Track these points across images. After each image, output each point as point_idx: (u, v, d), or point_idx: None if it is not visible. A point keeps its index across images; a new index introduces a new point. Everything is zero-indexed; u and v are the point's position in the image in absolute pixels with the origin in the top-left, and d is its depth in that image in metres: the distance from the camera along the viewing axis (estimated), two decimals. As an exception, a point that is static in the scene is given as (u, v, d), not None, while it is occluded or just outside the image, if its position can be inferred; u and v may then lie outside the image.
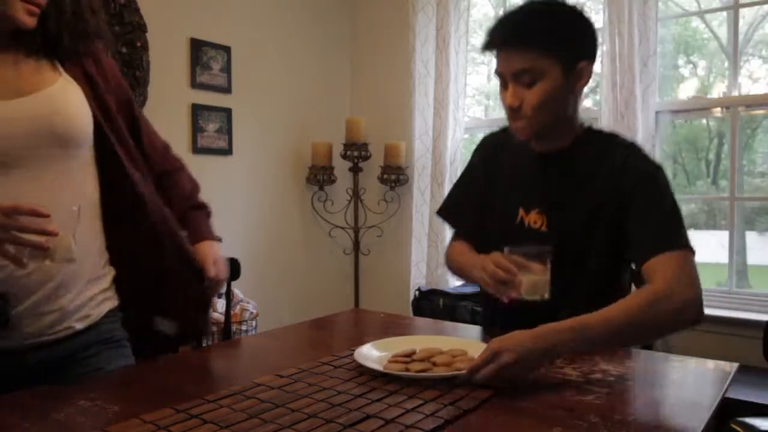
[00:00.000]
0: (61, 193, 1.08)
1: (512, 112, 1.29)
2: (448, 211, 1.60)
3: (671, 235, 1.20)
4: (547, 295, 1.20)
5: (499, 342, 0.99)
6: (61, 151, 1.09)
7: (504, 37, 1.27)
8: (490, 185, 1.48)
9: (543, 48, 1.23)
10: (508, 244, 1.30)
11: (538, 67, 1.23)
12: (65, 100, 1.10)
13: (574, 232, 1.33)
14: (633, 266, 1.40)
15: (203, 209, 1.37)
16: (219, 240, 1.34)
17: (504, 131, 1.51)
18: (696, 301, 1.11)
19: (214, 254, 1.28)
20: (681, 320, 1.11)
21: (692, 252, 1.19)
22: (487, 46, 1.30)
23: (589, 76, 1.30)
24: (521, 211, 1.39)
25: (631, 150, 1.33)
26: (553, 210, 1.35)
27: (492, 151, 1.52)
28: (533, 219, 1.37)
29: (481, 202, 1.49)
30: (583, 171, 1.34)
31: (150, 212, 1.18)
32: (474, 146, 1.59)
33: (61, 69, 1.14)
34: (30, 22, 1.05)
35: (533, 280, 1.18)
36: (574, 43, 1.27)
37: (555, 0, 1.30)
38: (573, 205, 1.33)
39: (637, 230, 1.25)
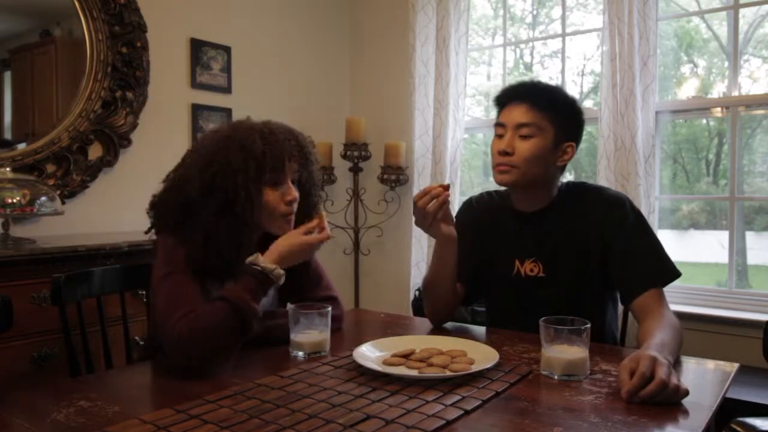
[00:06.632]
0: None
1: (501, 156, 1.43)
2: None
3: (652, 272, 1.38)
4: (586, 374, 1.10)
5: (647, 359, 1.00)
6: None
7: (522, 92, 1.46)
8: (478, 243, 1.56)
9: (550, 113, 1.43)
10: (510, 293, 1.49)
11: (539, 125, 1.42)
12: None
13: (569, 273, 1.46)
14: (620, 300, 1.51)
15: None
16: None
17: (482, 197, 1.66)
18: None
19: None
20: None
21: (676, 277, 1.38)
22: (504, 95, 1.49)
23: (571, 157, 1.47)
24: (517, 263, 1.51)
25: (599, 194, 1.49)
26: (546, 258, 1.48)
27: (474, 213, 1.63)
28: (529, 268, 1.50)
29: (473, 254, 1.55)
30: (565, 222, 1.47)
31: None
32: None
33: None
34: (288, 228, 1.35)
35: (571, 360, 1.08)
36: (571, 122, 1.47)
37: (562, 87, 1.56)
38: (564, 252, 1.46)
39: (621, 271, 1.41)
